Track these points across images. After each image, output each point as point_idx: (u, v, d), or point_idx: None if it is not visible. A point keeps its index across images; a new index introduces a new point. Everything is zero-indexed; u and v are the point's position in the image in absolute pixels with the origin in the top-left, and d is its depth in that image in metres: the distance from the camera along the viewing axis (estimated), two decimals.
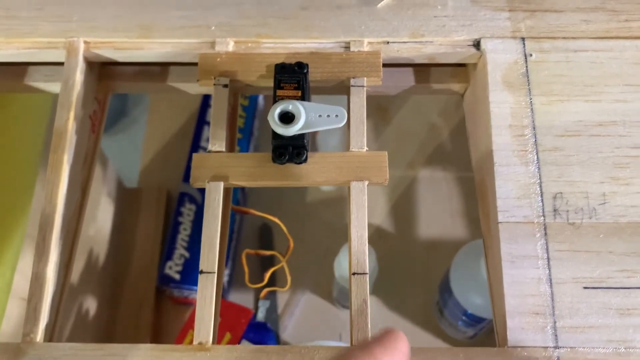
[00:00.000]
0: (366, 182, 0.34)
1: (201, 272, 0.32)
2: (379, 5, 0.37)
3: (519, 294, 0.31)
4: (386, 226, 0.78)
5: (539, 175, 0.33)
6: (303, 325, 0.73)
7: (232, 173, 0.34)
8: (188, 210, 0.72)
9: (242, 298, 0.71)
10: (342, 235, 0.67)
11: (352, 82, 0.35)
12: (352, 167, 0.34)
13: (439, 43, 0.36)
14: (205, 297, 0.31)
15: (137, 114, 0.91)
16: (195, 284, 0.68)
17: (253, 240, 0.77)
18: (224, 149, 0.34)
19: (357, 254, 0.32)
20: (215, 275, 0.32)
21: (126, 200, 0.76)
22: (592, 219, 0.32)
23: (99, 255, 0.68)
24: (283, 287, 0.52)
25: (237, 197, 0.72)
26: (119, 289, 0.71)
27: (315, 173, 0.34)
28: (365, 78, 0.35)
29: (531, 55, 0.36)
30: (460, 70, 0.39)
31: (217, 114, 0.35)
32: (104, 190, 0.70)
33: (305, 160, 0.33)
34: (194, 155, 0.34)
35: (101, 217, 0.69)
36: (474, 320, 0.60)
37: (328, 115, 0.32)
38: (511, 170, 0.33)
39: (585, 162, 0.33)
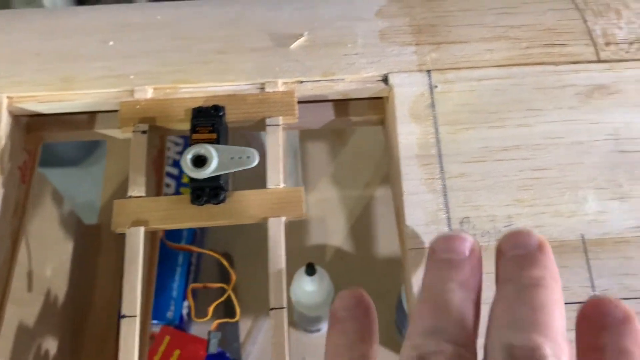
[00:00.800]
0: (283, 218, 0.35)
1: (123, 316, 0.33)
2: (292, 46, 0.39)
3: None
4: (345, 246, 0.79)
5: (446, 201, 0.35)
6: (267, 351, 0.73)
7: (153, 217, 0.35)
8: None
9: (202, 329, 0.71)
10: (302, 259, 0.68)
11: (267, 121, 0.37)
12: (269, 204, 0.35)
13: (349, 80, 0.38)
14: (127, 341, 0.32)
15: (101, 152, 0.93)
16: (154, 317, 0.69)
17: (213, 272, 0.77)
18: (143, 194, 0.35)
19: (274, 289, 0.33)
20: (137, 318, 0.33)
21: (86, 237, 0.77)
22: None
23: (58, 295, 0.68)
24: (231, 317, 0.53)
25: (194, 231, 0.73)
26: (80, 327, 0.72)
27: (233, 212, 0.35)
28: (280, 117, 0.37)
29: (436, 86, 0.37)
30: (378, 102, 0.41)
31: (136, 160, 0.36)
32: (60, 230, 0.70)
33: (224, 200, 0.35)
34: (115, 201, 0.35)
35: (58, 256, 0.69)
36: None
37: (240, 157, 0.34)
38: (419, 198, 0.35)
39: (490, 187, 0.35)
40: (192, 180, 0.34)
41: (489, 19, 0.40)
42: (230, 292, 0.50)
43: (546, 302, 0.23)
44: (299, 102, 0.38)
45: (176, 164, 0.77)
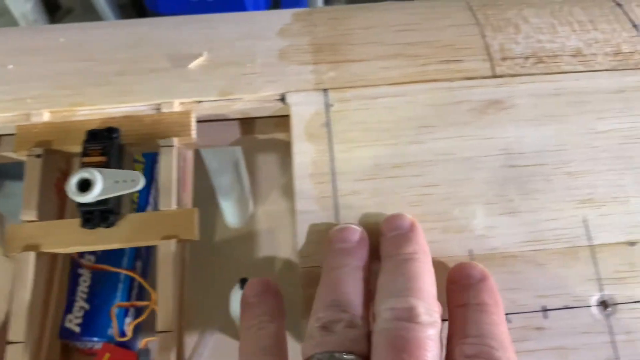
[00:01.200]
0: (174, 240, 0.35)
1: (9, 342, 0.33)
2: (190, 66, 0.39)
3: None
4: (295, 258, 0.79)
5: (338, 219, 0.35)
6: None
7: (44, 241, 0.35)
8: (87, 261, 0.72)
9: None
10: (251, 271, 0.68)
11: (161, 142, 0.37)
12: (161, 226, 0.35)
13: (247, 99, 0.38)
14: None
15: None
16: (95, 335, 0.68)
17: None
18: (35, 218, 0.35)
19: (163, 312, 0.33)
20: (23, 344, 0.33)
21: (44, 268, 0.76)
22: None
23: None
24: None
25: (134, 250, 0.72)
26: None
27: (125, 234, 0.35)
28: (175, 138, 0.37)
29: (332, 105, 0.38)
30: (284, 120, 0.41)
31: (30, 184, 0.36)
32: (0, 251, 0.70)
33: (114, 223, 0.35)
34: (10, 225, 0.35)
35: None
36: None
37: (124, 181, 0.34)
38: (311, 216, 0.35)
39: (381, 204, 0.35)
40: (80, 204, 0.34)
41: (388, 37, 0.40)
42: (154, 307, 0.50)
43: (419, 272, 0.29)
44: (202, 121, 0.39)
45: None
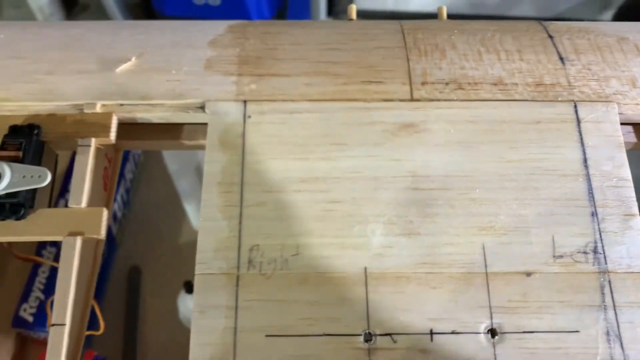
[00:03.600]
0: (79, 237, 0.36)
1: None
2: (118, 70, 0.40)
3: (203, 342, 0.33)
4: None
5: (240, 229, 0.36)
6: None
7: None
8: (49, 253, 0.74)
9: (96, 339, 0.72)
10: None
11: (79, 142, 0.38)
12: (68, 223, 0.36)
13: (169, 105, 0.39)
14: None
15: None
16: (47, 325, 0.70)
17: (121, 283, 0.78)
18: None
19: (58, 306, 0.34)
20: None
21: None
22: (283, 269, 0.35)
23: None
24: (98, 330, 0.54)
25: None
26: None
27: (34, 228, 0.36)
28: (93, 138, 0.38)
29: (250, 117, 0.38)
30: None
31: None
32: None
33: (24, 216, 0.36)
34: None
35: None
36: None
37: (32, 176, 0.35)
38: (214, 224, 0.36)
39: (284, 216, 0.36)
40: None
41: (314, 54, 0.41)
42: (93, 302, 0.51)
43: None
44: (128, 124, 0.40)
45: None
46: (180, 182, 0.77)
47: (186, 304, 0.63)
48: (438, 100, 0.39)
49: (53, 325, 0.34)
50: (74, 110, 0.39)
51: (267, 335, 0.34)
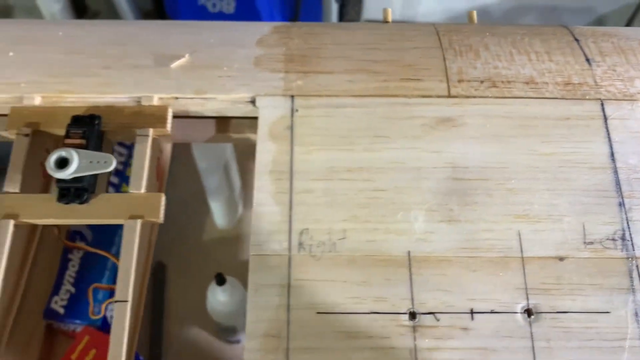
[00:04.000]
0: (139, 221, 0.38)
1: None
2: (172, 65, 0.43)
3: (258, 319, 0.36)
4: None
5: (290, 214, 0.38)
6: (187, 355, 0.76)
7: (23, 212, 0.38)
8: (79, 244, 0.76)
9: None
10: (235, 272, 0.71)
11: (138, 132, 0.40)
12: (129, 207, 0.38)
13: (221, 99, 0.42)
14: None
15: None
16: (77, 317, 0.72)
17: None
18: (17, 190, 0.39)
19: (121, 283, 0.37)
20: None
21: (21, 239, 0.80)
22: (331, 252, 0.37)
23: None
24: None
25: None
26: (6, 325, 0.74)
27: (96, 211, 0.38)
28: (151, 129, 0.40)
29: (297, 110, 0.41)
30: (256, 122, 0.45)
31: (16, 159, 0.39)
32: None
33: (87, 200, 0.38)
34: None
35: None
36: None
37: (98, 162, 0.37)
38: (266, 209, 0.38)
39: (330, 203, 0.38)
40: (58, 180, 0.38)
41: (355, 53, 0.44)
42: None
43: None
44: (181, 117, 0.42)
45: (118, 173, 0.80)
46: (207, 179, 0.79)
47: (216, 295, 0.65)
48: (474, 97, 0.42)
49: (116, 301, 0.36)
50: (132, 102, 0.42)
51: (318, 312, 0.36)
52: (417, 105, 0.41)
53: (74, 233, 0.78)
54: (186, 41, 0.44)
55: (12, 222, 0.38)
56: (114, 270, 0.75)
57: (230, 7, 1.40)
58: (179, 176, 0.82)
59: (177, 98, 0.42)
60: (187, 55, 0.43)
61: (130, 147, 0.83)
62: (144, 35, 0.45)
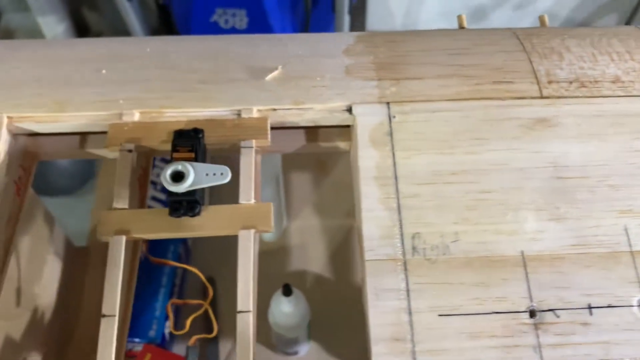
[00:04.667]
0: (253, 231, 0.38)
1: (103, 315, 0.36)
2: (267, 78, 0.43)
3: (382, 322, 0.36)
4: (325, 273, 0.82)
5: (400, 218, 0.38)
6: None
7: (134, 227, 0.38)
8: None
9: (183, 349, 0.74)
10: (280, 284, 0.71)
11: (242, 144, 0.41)
12: (240, 218, 0.39)
13: (318, 109, 0.42)
14: (106, 339, 0.35)
15: (89, 179, 0.97)
16: (137, 335, 0.71)
17: (197, 292, 0.80)
18: (126, 206, 0.39)
19: (242, 294, 0.37)
20: (116, 318, 0.36)
21: (75, 258, 0.80)
22: (445, 255, 0.38)
23: (45, 313, 0.71)
24: (210, 334, 0.56)
25: (178, 251, 0.76)
26: (66, 346, 0.74)
27: (208, 224, 0.39)
28: (254, 140, 0.41)
29: (394, 116, 0.42)
30: (345, 130, 0.45)
31: (121, 176, 0.40)
32: (51, 249, 0.73)
33: (199, 213, 0.38)
34: (102, 213, 0.39)
35: (47, 275, 0.72)
36: None
37: (214, 174, 0.38)
38: (376, 214, 0.39)
39: (439, 206, 0.39)
40: (170, 194, 0.38)
41: (443, 59, 0.44)
42: (207, 306, 0.53)
43: None
44: (273, 128, 0.43)
45: (165, 190, 0.81)
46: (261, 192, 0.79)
47: (281, 306, 0.65)
48: (565, 97, 0.42)
49: (239, 312, 0.36)
50: (231, 115, 0.42)
51: (439, 315, 0.36)
52: (511, 107, 0.42)
53: None
54: (274, 53, 0.45)
55: (124, 239, 0.38)
56: (169, 286, 0.75)
57: (242, 23, 1.42)
58: (223, 188, 0.83)
59: (274, 109, 0.42)
60: (280, 67, 0.43)
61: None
62: (232, 49, 0.45)
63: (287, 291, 0.64)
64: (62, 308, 0.75)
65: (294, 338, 0.69)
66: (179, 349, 0.74)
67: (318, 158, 0.91)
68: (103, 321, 0.36)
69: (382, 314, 0.36)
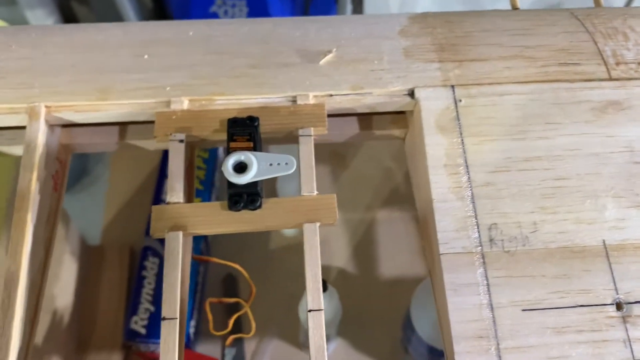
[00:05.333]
0: (317, 224, 0.36)
1: (163, 318, 0.33)
2: (321, 62, 0.40)
3: (462, 319, 0.34)
4: (348, 267, 0.80)
5: (474, 208, 0.36)
6: None
7: (190, 223, 0.36)
8: (152, 264, 0.73)
9: (208, 349, 0.71)
10: (302, 279, 0.69)
11: (300, 132, 0.38)
12: (303, 210, 0.36)
13: (377, 94, 0.40)
14: (168, 343, 0.33)
15: (99, 172, 0.93)
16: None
17: (217, 290, 0.78)
18: (182, 200, 0.36)
19: (312, 292, 0.34)
20: (178, 321, 0.33)
21: (89, 258, 0.76)
22: (525, 246, 0.35)
23: (64, 314, 0.68)
24: (248, 333, 0.54)
25: (199, 247, 0.73)
26: (84, 347, 0.71)
27: (269, 218, 0.36)
28: (312, 128, 0.38)
29: (460, 100, 0.39)
30: (400, 117, 0.43)
31: (174, 168, 0.37)
32: (67, 249, 0.70)
33: (260, 206, 0.36)
34: (154, 207, 0.36)
35: (64, 275, 0.69)
36: (437, 354, 0.61)
37: (278, 164, 0.35)
38: (448, 205, 0.36)
39: (515, 195, 0.37)
40: (230, 186, 0.35)
41: (505, 40, 0.42)
42: (247, 307, 0.50)
43: None
44: (330, 116, 0.40)
45: (201, 183, 0.78)
46: (285, 186, 0.77)
47: None
48: (635, 78, 0.40)
49: (310, 311, 0.34)
50: (286, 102, 0.39)
51: (523, 310, 0.34)
52: (581, 89, 0.40)
53: (145, 249, 0.74)
54: (327, 36, 0.42)
55: (181, 235, 0.35)
56: (193, 285, 0.73)
57: (242, 14, 1.38)
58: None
59: (331, 95, 0.40)
60: (334, 50, 0.41)
61: (209, 162, 0.81)
62: (282, 32, 0.42)
63: (323, 287, 0.61)
64: (80, 309, 0.72)
65: (326, 335, 0.67)
66: (204, 349, 0.72)
67: (335, 151, 0.88)
68: (164, 324, 0.33)
69: (462, 311, 0.34)
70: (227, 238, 0.81)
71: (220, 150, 0.81)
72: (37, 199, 0.37)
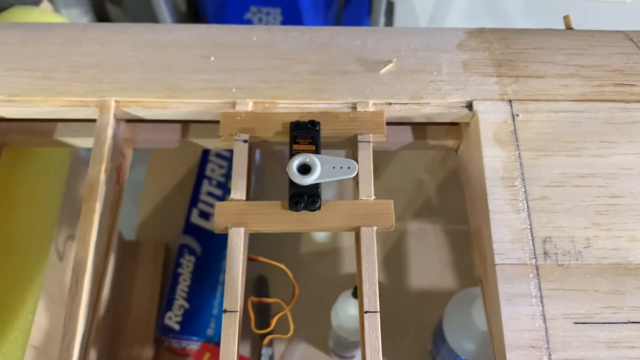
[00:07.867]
0: (374, 228, 0.37)
1: (225, 311, 0.34)
2: (382, 71, 0.42)
3: (516, 329, 0.34)
4: (379, 277, 0.80)
5: (530, 221, 0.37)
6: None
7: (252, 220, 0.37)
8: (187, 261, 0.74)
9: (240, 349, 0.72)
10: (335, 287, 0.70)
11: (359, 138, 0.39)
12: (361, 214, 0.37)
13: (435, 104, 0.41)
14: (228, 335, 0.34)
15: (136, 169, 0.95)
16: (194, 334, 0.70)
17: (248, 291, 0.79)
18: (244, 198, 0.37)
19: (369, 294, 0.35)
20: (239, 314, 0.34)
21: (125, 253, 0.78)
22: (578, 260, 0.36)
23: (101, 307, 0.69)
24: (285, 334, 0.54)
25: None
26: (117, 341, 0.72)
27: (327, 219, 0.37)
28: (371, 134, 0.39)
29: (518, 115, 0.40)
30: (454, 128, 0.44)
31: (238, 166, 0.38)
32: None
33: (319, 207, 0.37)
34: (217, 203, 0.37)
35: None
36: None
37: (341, 167, 0.36)
38: (504, 217, 0.37)
39: (570, 210, 0.37)
40: (292, 187, 0.36)
41: (560, 58, 0.43)
42: (287, 309, 0.51)
43: None
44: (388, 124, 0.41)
45: (220, 185, 0.79)
46: (324, 192, 0.78)
47: (347, 309, 0.63)
48: None
49: (366, 312, 0.35)
50: (346, 108, 0.40)
51: (575, 322, 0.35)
52: (636, 110, 0.41)
53: (182, 246, 0.76)
54: (386, 46, 0.43)
55: (243, 230, 0.36)
56: None
57: (276, 22, 1.40)
58: (271, 185, 0.81)
59: (390, 104, 0.41)
60: (394, 60, 0.42)
61: (229, 159, 0.82)
62: (342, 41, 0.44)
63: (356, 293, 0.62)
64: (114, 303, 0.73)
65: (356, 342, 0.68)
66: None
67: None
68: (225, 317, 0.34)
69: (515, 320, 0.34)
70: (259, 242, 0.82)
71: (257, 154, 0.83)
72: (104, 190, 0.38)
